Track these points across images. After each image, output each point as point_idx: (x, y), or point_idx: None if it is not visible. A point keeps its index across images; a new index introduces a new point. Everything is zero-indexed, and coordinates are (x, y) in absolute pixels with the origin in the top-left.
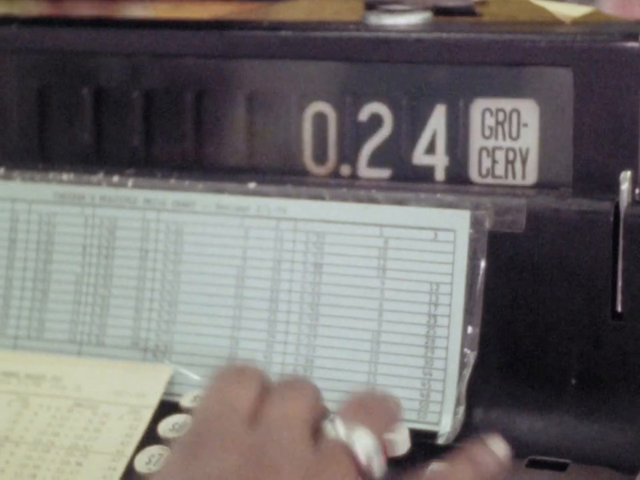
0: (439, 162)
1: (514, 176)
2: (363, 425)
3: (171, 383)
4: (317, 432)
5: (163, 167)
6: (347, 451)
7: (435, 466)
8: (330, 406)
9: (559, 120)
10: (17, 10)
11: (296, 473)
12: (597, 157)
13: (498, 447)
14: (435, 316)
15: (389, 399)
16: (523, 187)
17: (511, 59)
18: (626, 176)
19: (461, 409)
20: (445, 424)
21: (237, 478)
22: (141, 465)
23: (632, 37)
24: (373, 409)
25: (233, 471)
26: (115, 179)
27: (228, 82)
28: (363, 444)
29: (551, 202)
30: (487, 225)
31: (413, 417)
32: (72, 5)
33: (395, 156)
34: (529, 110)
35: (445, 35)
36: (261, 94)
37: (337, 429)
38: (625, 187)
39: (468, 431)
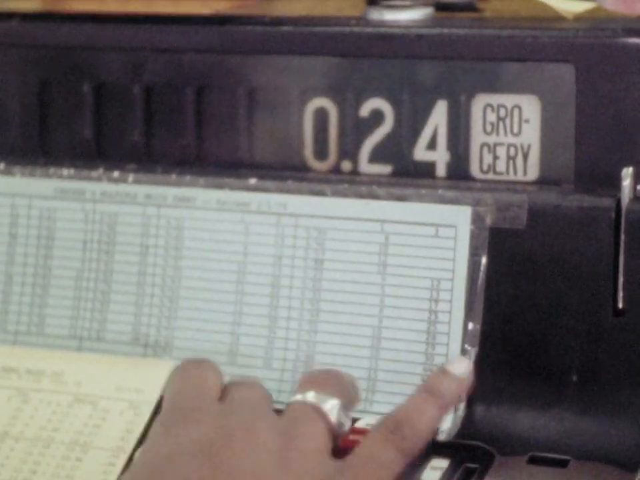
0: (440, 158)
1: (515, 172)
2: (326, 389)
3: None
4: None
5: (164, 162)
6: (315, 410)
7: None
8: None
9: (560, 116)
10: None
11: (269, 431)
12: (598, 153)
13: (459, 367)
14: (435, 312)
15: (342, 373)
16: (525, 183)
17: (512, 55)
18: (628, 172)
19: (462, 406)
20: (446, 420)
21: (211, 444)
22: None
23: (634, 32)
24: (331, 378)
25: (208, 439)
26: (116, 174)
27: (229, 77)
28: (330, 403)
29: (552, 198)
30: (488, 221)
31: None
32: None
33: (396, 152)
34: (530, 106)
35: (446, 31)
36: (262, 89)
37: (303, 394)
38: (626, 183)
39: (469, 427)
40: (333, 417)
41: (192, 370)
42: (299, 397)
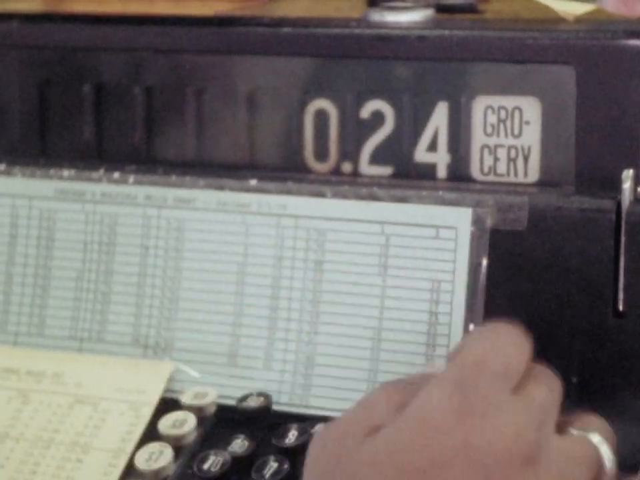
0: (441, 159)
1: (516, 174)
2: (601, 434)
3: (171, 379)
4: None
5: (164, 163)
6: (593, 447)
7: None
8: (331, 404)
9: (561, 118)
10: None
11: (548, 445)
12: (599, 155)
13: None
14: (436, 314)
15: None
16: (525, 185)
17: (513, 57)
18: (628, 174)
19: None
20: None
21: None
22: (141, 462)
23: (635, 35)
24: (601, 422)
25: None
26: (116, 175)
27: (229, 78)
28: (606, 448)
29: (552, 200)
30: (489, 222)
31: None
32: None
33: (396, 153)
34: (531, 107)
35: (447, 32)
36: (262, 91)
37: (583, 428)
38: (626, 185)
39: None
40: (606, 461)
41: (503, 338)
42: (582, 432)
